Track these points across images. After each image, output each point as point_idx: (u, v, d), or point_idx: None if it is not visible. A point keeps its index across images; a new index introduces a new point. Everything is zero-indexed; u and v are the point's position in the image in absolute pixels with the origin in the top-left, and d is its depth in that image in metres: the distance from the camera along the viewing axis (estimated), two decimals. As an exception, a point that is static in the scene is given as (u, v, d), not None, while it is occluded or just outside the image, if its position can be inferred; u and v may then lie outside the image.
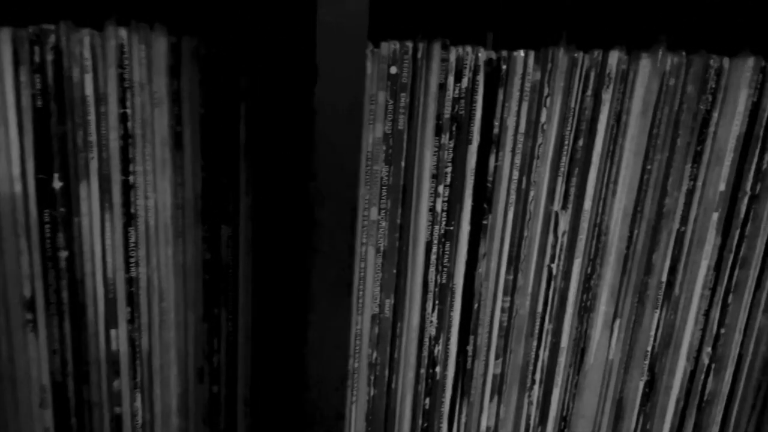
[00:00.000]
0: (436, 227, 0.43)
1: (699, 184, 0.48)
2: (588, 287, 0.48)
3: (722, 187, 0.49)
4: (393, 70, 0.39)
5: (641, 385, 0.52)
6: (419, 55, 0.39)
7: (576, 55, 0.43)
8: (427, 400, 0.46)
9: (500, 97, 0.42)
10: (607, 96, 0.44)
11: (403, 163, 0.41)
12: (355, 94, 0.31)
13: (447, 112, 0.41)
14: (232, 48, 0.36)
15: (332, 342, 0.34)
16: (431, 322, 0.45)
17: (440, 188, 0.42)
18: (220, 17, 0.35)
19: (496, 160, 0.43)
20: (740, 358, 0.55)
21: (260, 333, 0.40)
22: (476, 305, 0.46)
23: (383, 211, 0.41)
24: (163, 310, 0.38)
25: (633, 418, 0.53)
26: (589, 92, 0.44)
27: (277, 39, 0.35)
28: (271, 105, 0.36)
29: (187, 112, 0.36)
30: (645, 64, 0.44)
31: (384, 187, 0.41)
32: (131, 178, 0.36)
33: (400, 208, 0.42)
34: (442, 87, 0.40)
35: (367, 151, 0.40)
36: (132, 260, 0.37)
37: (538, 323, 0.48)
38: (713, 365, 0.54)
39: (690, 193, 0.48)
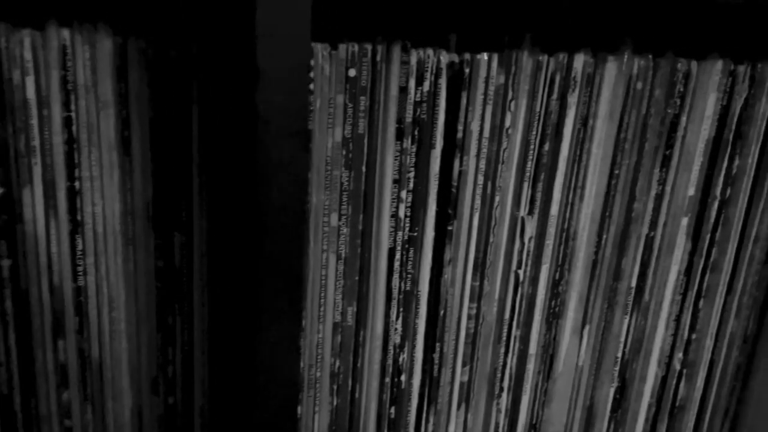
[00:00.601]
0: (400, 233, 0.41)
1: (668, 188, 0.47)
2: (556, 293, 0.47)
3: (692, 191, 0.47)
4: (352, 72, 0.37)
5: (612, 391, 0.51)
6: (378, 57, 0.38)
7: (541, 58, 0.41)
8: (393, 410, 0.44)
9: (464, 100, 0.40)
10: (572, 100, 0.43)
11: (363, 168, 0.39)
12: (299, 97, 0.29)
13: (409, 116, 0.39)
14: (182, 49, 0.34)
15: (281, 352, 0.32)
16: (396, 329, 0.43)
17: (403, 193, 0.41)
18: (166, 17, 0.33)
19: (461, 164, 0.42)
20: (712, 363, 0.53)
21: (216, 342, 0.38)
22: (442, 312, 0.44)
23: (344, 217, 0.40)
24: (114, 320, 0.36)
25: (604, 425, 0.51)
26: (555, 96, 0.42)
27: (221, 40, 0.33)
28: (221, 108, 0.34)
29: (135, 115, 0.34)
30: (611, 67, 0.43)
31: (344, 193, 0.39)
32: (77, 184, 0.34)
33: (361, 214, 0.40)
34: (403, 90, 0.39)
35: (326, 156, 0.38)
36: (80, 269, 0.35)
37: (505, 330, 0.46)
38: (685, 371, 0.53)
39: (659, 198, 0.47)
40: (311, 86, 0.35)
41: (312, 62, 0.34)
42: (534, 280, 0.46)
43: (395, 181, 0.40)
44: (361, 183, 0.39)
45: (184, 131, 0.35)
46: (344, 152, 0.38)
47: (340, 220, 0.39)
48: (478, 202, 0.43)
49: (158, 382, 0.38)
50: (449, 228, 0.43)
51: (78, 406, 0.37)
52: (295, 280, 0.32)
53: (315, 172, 0.38)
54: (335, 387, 0.42)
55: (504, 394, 0.47)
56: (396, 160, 0.40)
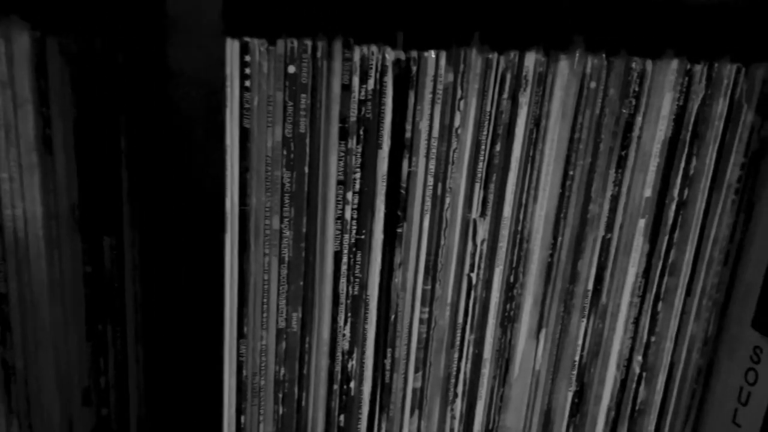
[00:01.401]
0: (346, 236, 0.39)
1: (624, 189, 0.45)
2: (511, 296, 0.45)
3: (648, 192, 0.45)
4: (291, 69, 0.35)
5: (570, 395, 0.49)
6: (319, 53, 0.35)
7: (490, 56, 0.39)
8: (342, 417, 0.42)
9: (411, 99, 0.38)
10: (524, 99, 0.40)
11: (306, 169, 0.37)
12: (213, 92, 0.27)
13: (353, 115, 0.37)
14: (105, 45, 0.31)
15: (202, 357, 0.30)
16: (344, 335, 0.41)
17: (349, 195, 0.38)
18: (84, 11, 0.31)
19: (410, 165, 0.39)
20: (672, 366, 0.51)
21: (152, 350, 0.36)
22: (393, 317, 0.42)
23: (286, 219, 0.37)
24: (39, 329, 0.34)
25: (562, 430, 0.49)
26: (506, 95, 0.40)
27: (135, 35, 0.31)
28: (146, 104, 0.32)
29: (57, 113, 0.31)
30: (563, 66, 0.41)
31: (286, 194, 0.37)
32: (-5, 186, 0.32)
33: (304, 217, 0.38)
34: (347, 88, 0.36)
35: (266, 156, 0.36)
36: (0, 275, 0.32)
37: (459, 334, 0.44)
38: (644, 374, 0.51)
39: (615, 199, 0.45)
40: (228, 83, 0.32)
41: (227, 56, 0.32)
42: (487, 284, 0.44)
43: (340, 183, 0.38)
44: (304, 184, 0.37)
45: (110, 129, 0.32)
46: (285, 152, 0.36)
47: (282, 222, 0.37)
48: (428, 203, 0.40)
49: (90, 393, 0.36)
50: (399, 230, 0.40)
51: (3, 420, 0.34)
52: (212, 287, 0.29)
53: (254, 173, 0.36)
54: (280, 395, 0.40)
55: (458, 400, 0.45)
56: (340, 160, 0.37)
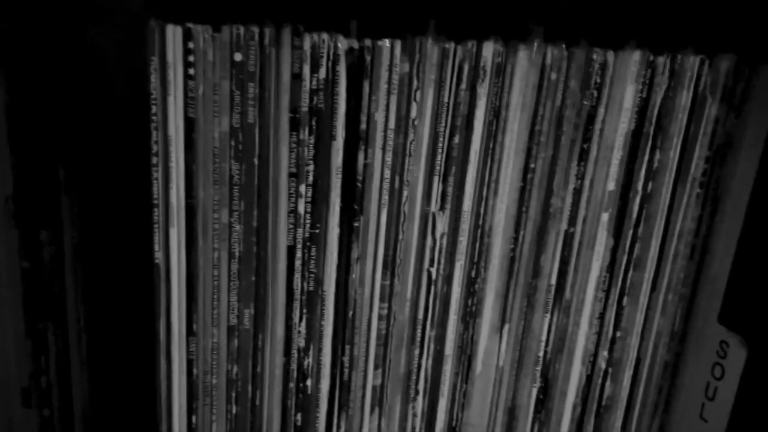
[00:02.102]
0: (300, 230, 0.37)
1: (587, 183, 0.43)
2: (472, 291, 0.43)
3: (612, 186, 0.44)
4: (238, 57, 0.33)
5: (534, 391, 0.47)
6: (267, 41, 0.33)
7: (447, 45, 0.37)
8: (299, 416, 0.40)
9: (366, 89, 0.36)
10: (483, 90, 0.39)
11: (256, 161, 0.35)
12: (134, 79, 0.25)
13: (304, 105, 0.35)
14: (36, 34, 0.29)
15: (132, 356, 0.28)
16: (299, 332, 0.39)
17: (302, 188, 0.36)
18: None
19: (366, 157, 0.38)
20: (638, 361, 0.50)
21: (95, 348, 0.34)
22: (351, 313, 0.40)
23: (236, 213, 0.35)
24: (-28, 327, 0.32)
25: (527, 427, 0.48)
26: (464, 86, 0.38)
27: (63, 21, 0.29)
28: (83, 94, 0.30)
29: (-14, 101, 0.29)
30: (522, 56, 0.39)
31: (235, 187, 0.35)
32: None
33: (255, 210, 0.36)
34: (297, 77, 0.34)
35: (213, 147, 0.34)
36: (-72, 271, 0.30)
37: (419, 330, 0.42)
38: (610, 369, 0.49)
39: (578, 193, 0.43)
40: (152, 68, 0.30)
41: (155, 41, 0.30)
42: (448, 279, 0.42)
43: (292, 175, 0.36)
44: (254, 176, 0.35)
45: (46, 118, 0.30)
46: (233, 143, 0.34)
47: (231, 216, 0.35)
48: (385, 197, 0.39)
49: (30, 394, 0.34)
50: (355, 224, 0.39)
51: (-65, 422, 0.32)
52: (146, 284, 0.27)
53: (201, 165, 0.34)
54: (233, 394, 0.38)
55: (420, 397, 0.44)
56: (292, 152, 0.35)
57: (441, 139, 0.39)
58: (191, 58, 0.32)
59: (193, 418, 0.37)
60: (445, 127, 0.39)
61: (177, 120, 0.33)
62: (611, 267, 0.46)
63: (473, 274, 0.42)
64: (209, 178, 0.34)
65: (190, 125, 0.33)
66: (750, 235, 0.47)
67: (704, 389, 0.50)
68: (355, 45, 0.35)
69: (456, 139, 0.39)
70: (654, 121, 0.43)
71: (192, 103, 0.33)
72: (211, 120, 0.33)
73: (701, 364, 0.50)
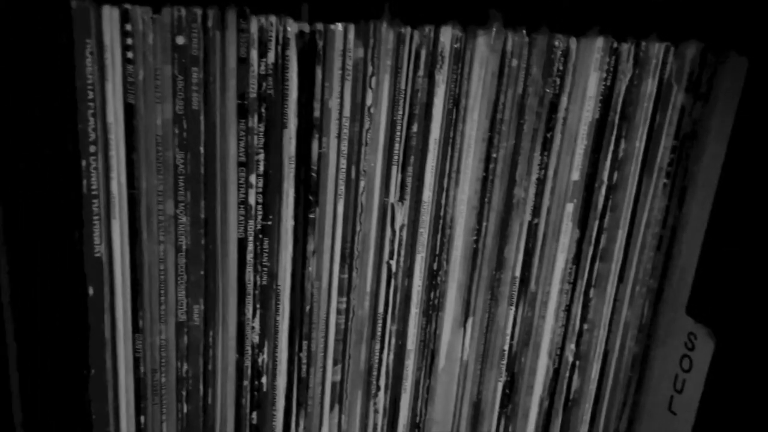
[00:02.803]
0: (251, 222, 0.35)
1: (550, 173, 0.42)
2: (435, 284, 0.41)
3: (576, 176, 0.42)
4: (180, 40, 0.31)
5: (500, 386, 0.45)
6: (210, 23, 0.31)
7: (403, 30, 0.35)
8: (255, 414, 0.38)
9: (318, 75, 0.34)
10: (441, 77, 0.37)
11: (202, 149, 0.33)
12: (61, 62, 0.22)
13: (253, 91, 0.33)
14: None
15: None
16: (253, 328, 0.37)
17: (252, 178, 0.34)
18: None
19: (320, 146, 0.36)
20: (606, 354, 0.48)
21: (27, 350, 0.31)
22: (307, 308, 0.38)
23: (182, 204, 0.33)
24: None
25: (493, 422, 0.46)
26: (421, 72, 0.36)
27: None
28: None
29: None
30: (482, 42, 0.37)
31: (180, 177, 0.33)
32: None
33: (202, 201, 0.34)
34: (244, 62, 0.32)
35: (155, 135, 0.32)
36: None
37: (380, 325, 0.40)
38: (578, 362, 0.48)
39: (541, 183, 0.42)
40: (88, 51, 0.28)
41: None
42: (409, 271, 0.40)
43: (241, 164, 0.34)
44: (200, 166, 0.33)
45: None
46: (177, 130, 0.32)
47: (177, 207, 0.33)
48: (342, 187, 0.37)
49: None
50: (311, 216, 0.37)
51: None
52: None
53: (143, 153, 0.32)
54: (184, 393, 0.36)
55: (381, 393, 0.42)
56: (241, 140, 0.33)
57: (399, 127, 0.37)
58: (130, 41, 0.30)
59: (142, 419, 0.35)
60: (403, 115, 0.37)
61: (116, 106, 0.31)
62: (577, 258, 0.44)
63: (435, 266, 0.41)
64: (152, 167, 0.32)
65: (130, 112, 0.31)
66: (717, 226, 0.45)
67: (673, 382, 0.49)
68: (306, 29, 0.33)
69: (414, 128, 0.37)
70: (619, 109, 0.42)
71: (132, 89, 0.31)
72: (153, 106, 0.31)
73: (670, 356, 0.49)
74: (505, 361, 0.45)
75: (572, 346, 0.47)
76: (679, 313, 0.48)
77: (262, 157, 0.34)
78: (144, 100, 0.31)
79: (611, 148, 0.43)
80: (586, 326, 0.47)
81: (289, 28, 0.33)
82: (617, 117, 0.42)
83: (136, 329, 0.34)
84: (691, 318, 0.47)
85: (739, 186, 0.44)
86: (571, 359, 0.47)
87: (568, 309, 0.46)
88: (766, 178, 0.42)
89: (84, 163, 0.31)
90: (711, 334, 0.46)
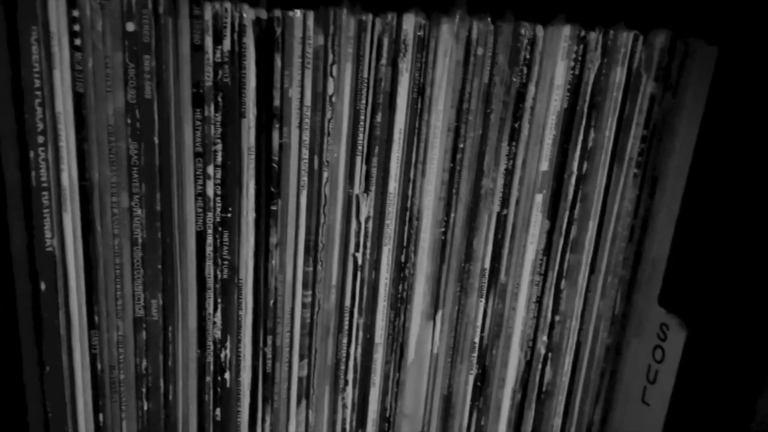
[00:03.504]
0: (210, 214, 0.34)
1: (519, 163, 0.40)
2: (402, 277, 0.40)
3: (545, 166, 0.41)
4: (130, 27, 0.30)
5: (471, 378, 0.44)
6: (161, 9, 0.30)
7: (364, 17, 0.34)
8: (219, 411, 0.37)
9: (278, 63, 0.33)
10: (405, 65, 0.36)
11: (156, 139, 0.31)
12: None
13: (208, 79, 0.32)
14: None
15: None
16: (214, 323, 0.35)
17: (210, 169, 0.33)
18: None
19: (281, 136, 0.34)
20: (579, 345, 0.47)
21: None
22: (271, 302, 0.37)
23: (137, 196, 0.32)
24: None
25: (465, 415, 0.45)
26: (384, 61, 0.35)
27: None
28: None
29: None
30: (446, 30, 0.36)
31: (134, 168, 0.31)
32: None
33: (158, 193, 0.32)
34: (199, 49, 0.31)
35: (107, 125, 0.30)
36: None
37: (347, 318, 0.39)
38: (550, 354, 0.47)
39: (509, 174, 0.40)
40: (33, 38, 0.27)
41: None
42: (375, 264, 0.39)
43: (198, 155, 0.32)
44: (155, 156, 0.32)
45: None
46: (129, 120, 0.31)
47: (132, 200, 0.32)
48: (304, 178, 0.35)
49: None
50: (273, 208, 0.35)
51: None
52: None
53: (94, 144, 0.30)
54: (144, 390, 0.35)
55: (349, 388, 0.40)
56: (197, 130, 0.32)
57: (362, 117, 0.36)
58: (77, 28, 0.29)
59: (101, 416, 0.34)
60: (366, 104, 0.35)
61: (65, 95, 0.29)
62: (548, 250, 0.44)
63: (402, 258, 0.39)
64: (105, 158, 0.31)
65: (79, 101, 0.29)
66: (688, 216, 0.44)
67: (646, 372, 0.48)
68: (264, 15, 0.32)
69: (378, 118, 0.36)
70: (588, 98, 0.41)
71: (81, 77, 0.29)
72: (104, 95, 0.30)
73: (642, 347, 0.48)
74: (476, 354, 0.44)
75: (544, 338, 0.46)
76: (651, 303, 0.47)
77: (219, 147, 0.33)
78: (94, 89, 0.30)
79: (580, 137, 0.42)
80: (557, 318, 0.46)
81: (245, 15, 0.31)
82: (586, 106, 0.41)
83: (92, 325, 0.32)
84: (663, 308, 0.46)
85: (710, 176, 0.43)
86: (543, 351, 0.46)
87: (540, 301, 0.45)
88: (736, 167, 0.41)
89: (32, 154, 0.29)
90: (683, 324, 0.45)
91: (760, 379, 0.41)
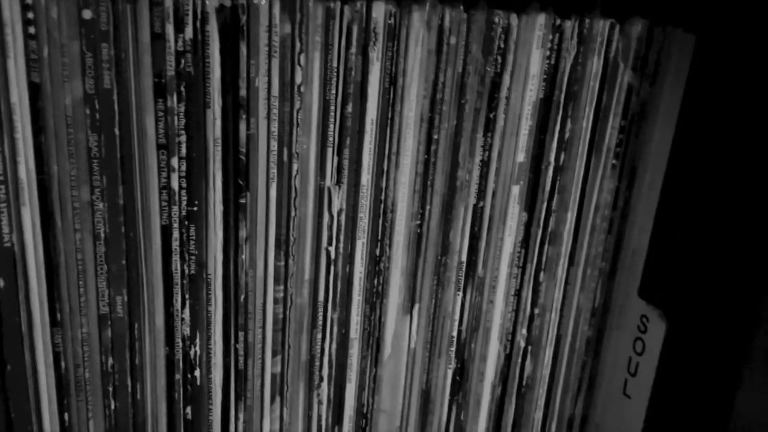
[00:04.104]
0: (175, 208, 0.32)
1: (494, 154, 0.40)
2: (377, 271, 0.39)
3: (522, 157, 0.40)
4: (86, 14, 0.28)
5: (450, 373, 0.43)
6: (119, -4, 0.29)
7: (332, 5, 0.33)
8: (189, 409, 0.36)
9: (243, 52, 0.32)
10: (375, 54, 0.35)
11: (116, 131, 0.30)
12: None
13: (170, 69, 0.30)
14: None
15: None
16: (183, 319, 0.34)
17: (174, 161, 0.32)
18: None
19: (248, 127, 0.33)
20: (559, 339, 0.47)
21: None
22: (242, 297, 0.36)
23: (98, 190, 0.31)
24: None
25: (444, 410, 0.44)
26: (354, 50, 0.34)
27: None
28: None
29: None
30: (417, 18, 0.35)
31: (95, 161, 0.30)
32: None
33: (120, 186, 0.31)
34: (159, 37, 0.30)
35: (65, 116, 0.29)
36: None
37: (321, 313, 0.38)
38: (530, 348, 0.46)
39: (485, 165, 0.39)
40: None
41: None
42: (349, 258, 0.38)
43: (162, 147, 0.31)
44: (116, 148, 0.30)
45: None
46: (88, 111, 0.29)
47: (93, 193, 0.30)
48: (273, 170, 0.34)
49: None
50: (242, 201, 0.34)
51: None
52: None
53: (52, 136, 0.29)
54: (110, 388, 0.33)
55: (325, 384, 0.39)
56: (159, 121, 0.31)
57: (332, 107, 0.34)
58: (31, 16, 0.27)
59: (66, 416, 0.33)
60: (336, 94, 0.34)
61: (20, 85, 0.28)
62: (525, 242, 0.43)
63: (377, 252, 0.38)
64: (63, 150, 0.29)
65: (35, 91, 0.28)
66: (667, 207, 0.44)
67: (627, 365, 0.47)
68: (228, 2, 0.31)
69: (349, 108, 0.35)
70: (564, 88, 0.40)
71: (36, 67, 0.28)
72: (61, 85, 0.29)
73: (623, 339, 0.47)
74: (454, 348, 0.43)
75: (523, 331, 0.45)
76: (631, 295, 0.46)
77: (184, 139, 0.32)
78: (50, 79, 0.28)
79: (557, 128, 0.41)
80: (537, 311, 0.45)
81: (208, 2, 0.30)
82: (563, 96, 0.40)
83: (54, 323, 0.31)
84: (644, 300, 0.45)
85: (689, 166, 0.42)
86: (522, 344, 0.45)
87: (518, 293, 0.44)
88: (715, 156, 0.40)
89: (-13, 146, 0.28)
90: (663, 315, 0.44)
91: (739, 371, 0.40)
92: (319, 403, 0.39)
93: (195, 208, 0.33)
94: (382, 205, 0.38)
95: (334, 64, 0.34)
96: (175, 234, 0.33)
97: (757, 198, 0.38)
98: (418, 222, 0.39)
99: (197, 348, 0.35)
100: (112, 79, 0.29)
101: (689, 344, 0.43)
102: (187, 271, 0.33)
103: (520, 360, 0.46)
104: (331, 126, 0.35)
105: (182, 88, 0.31)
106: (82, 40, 0.28)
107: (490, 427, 0.46)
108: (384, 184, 0.37)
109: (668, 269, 0.44)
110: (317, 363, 0.39)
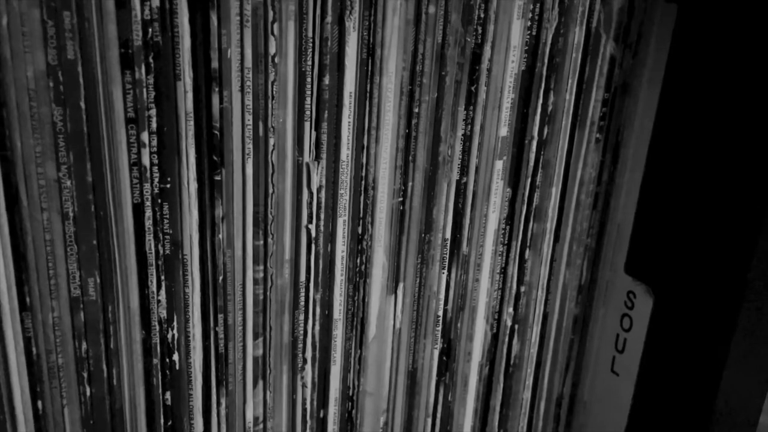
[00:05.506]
0: (147, 185, 0.31)
1: (477, 128, 0.38)
2: (360, 249, 0.38)
3: (504, 132, 0.39)
4: (46, -20, 0.27)
5: (436, 353, 0.42)
6: (80, -39, 0.27)
7: (306, -29, 0.32)
8: (169, 395, 0.34)
9: (214, 21, 0.30)
10: (351, 24, 0.33)
11: (82, 104, 0.29)
12: None
13: (137, 38, 0.29)
14: None
15: None
16: (159, 301, 0.33)
17: (144, 136, 0.30)
18: None
19: (221, 101, 0.32)
20: (546, 316, 0.46)
21: None
22: (220, 278, 0.34)
23: (64, 166, 0.29)
24: None
25: (431, 390, 0.43)
26: (329, 19, 0.33)
27: None
28: None
29: None
30: (394, -15, 0.34)
31: (60, 135, 0.29)
32: None
33: (88, 163, 0.29)
34: (124, 5, 0.28)
35: (27, 89, 0.28)
36: None
37: (302, 294, 0.37)
38: (517, 326, 0.45)
39: (468, 139, 0.38)
40: None
41: None
42: (330, 236, 0.36)
43: (131, 121, 0.30)
44: (82, 122, 0.29)
45: None
46: (52, 84, 0.28)
47: (59, 170, 0.29)
48: (249, 145, 0.33)
49: None
50: (216, 178, 0.33)
51: None
52: None
53: (13, 110, 0.28)
54: (85, 374, 0.32)
55: (308, 366, 0.38)
56: (128, 93, 0.29)
57: (308, 79, 0.33)
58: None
59: (39, 404, 0.31)
60: (312, 65, 0.33)
61: (-23, 57, 0.26)
62: (510, 218, 0.42)
63: (359, 230, 0.37)
64: (27, 125, 0.28)
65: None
66: (652, 181, 0.43)
67: (614, 342, 0.46)
68: (196, -30, 0.29)
69: (326, 80, 0.33)
70: (546, 60, 0.39)
71: (-7, 36, 0.26)
72: (22, 56, 0.27)
73: (610, 316, 0.46)
74: (440, 328, 0.42)
75: (510, 310, 0.44)
76: (618, 271, 0.45)
77: (154, 112, 0.30)
78: (10, 50, 0.27)
79: (540, 101, 0.40)
80: (523, 288, 0.44)
81: (175, -31, 0.29)
82: (545, 68, 0.39)
83: (23, 307, 0.30)
84: (630, 276, 0.45)
85: (673, 139, 0.41)
86: (509, 323, 0.44)
87: (504, 271, 0.43)
88: (699, 129, 0.39)
89: (-56, 121, 0.26)
90: (649, 291, 0.43)
91: (726, 346, 0.39)
92: (303, 386, 0.38)
93: (168, 186, 0.31)
94: (363, 182, 0.36)
95: (309, 34, 0.32)
96: (148, 213, 0.31)
97: (742, 170, 0.37)
98: (401, 199, 0.38)
99: (175, 331, 0.33)
100: (75, 49, 0.28)
101: (676, 320, 0.42)
102: (161, 252, 0.32)
103: (507, 339, 0.45)
104: (308, 99, 0.33)
105: (150, 59, 0.29)
106: (42, 8, 0.27)
107: (478, 408, 0.45)
108: (364, 160, 0.36)
109: (654, 244, 0.43)
110: (300, 345, 0.37)
